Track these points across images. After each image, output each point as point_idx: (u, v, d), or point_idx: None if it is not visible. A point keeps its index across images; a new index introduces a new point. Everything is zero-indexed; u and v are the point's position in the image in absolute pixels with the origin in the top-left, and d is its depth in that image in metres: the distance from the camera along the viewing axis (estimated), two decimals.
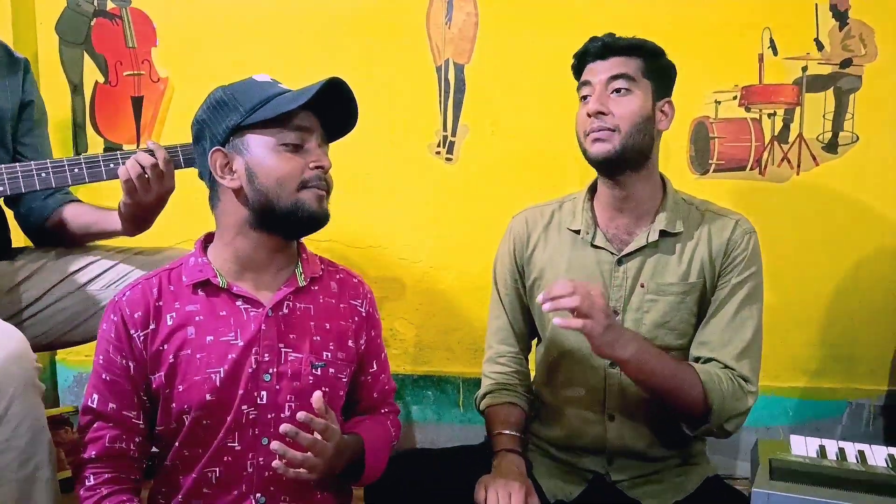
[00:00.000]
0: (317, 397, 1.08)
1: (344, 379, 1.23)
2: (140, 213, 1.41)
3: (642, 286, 1.34)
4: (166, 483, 1.18)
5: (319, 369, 1.19)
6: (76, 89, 2.04)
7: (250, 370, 1.15)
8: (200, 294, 1.17)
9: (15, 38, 1.96)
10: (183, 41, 1.99)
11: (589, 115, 1.31)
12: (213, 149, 1.15)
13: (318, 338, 1.21)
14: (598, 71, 1.33)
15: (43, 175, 1.40)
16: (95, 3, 2.00)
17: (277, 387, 1.16)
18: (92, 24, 2.01)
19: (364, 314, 1.29)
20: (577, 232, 1.39)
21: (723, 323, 1.31)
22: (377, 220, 1.98)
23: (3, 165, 1.42)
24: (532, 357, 1.49)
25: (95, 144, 2.05)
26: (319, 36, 1.93)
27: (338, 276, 1.29)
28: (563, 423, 1.39)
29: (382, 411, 1.35)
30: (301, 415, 1.06)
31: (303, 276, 1.22)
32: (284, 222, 1.15)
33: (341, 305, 1.26)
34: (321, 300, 1.24)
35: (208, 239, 1.22)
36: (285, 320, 1.19)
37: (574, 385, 1.38)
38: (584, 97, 1.35)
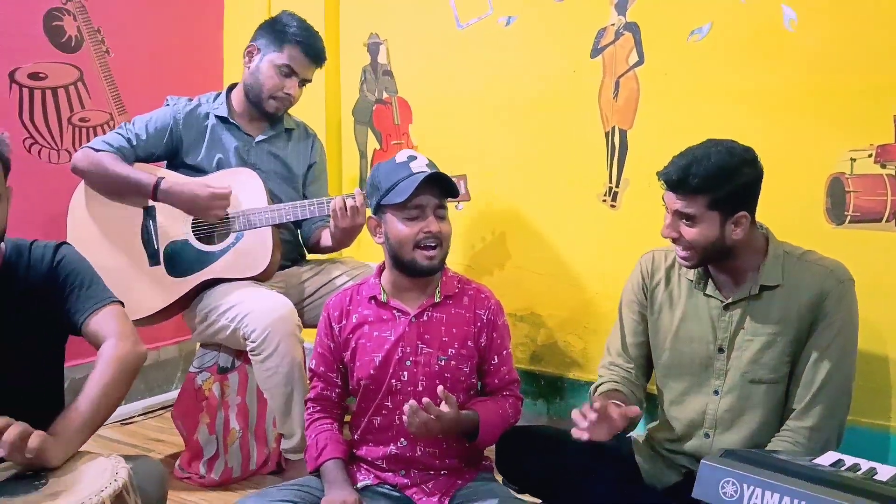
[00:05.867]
0: (440, 390, 1.50)
1: (465, 369, 1.62)
2: (341, 237, 2.04)
3: (743, 328, 1.54)
4: (354, 422, 1.71)
5: (444, 361, 1.61)
6: (362, 155, 2.83)
7: (397, 357, 1.60)
8: (373, 303, 1.66)
9: (328, 120, 2.81)
10: (429, 119, 2.66)
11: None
12: (369, 217, 1.66)
13: (447, 338, 1.62)
14: (669, 200, 1.48)
15: (299, 210, 2.11)
16: (376, 94, 2.77)
17: (415, 370, 1.60)
18: (373, 108, 2.78)
19: (485, 320, 1.65)
20: (692, 281, 1.61)
21: (806, 384, 1.46)
22: (554, 253, 2.39)
23: (295, 201, 2.13)
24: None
25: None
26: (518, 110, 2.43)
27: (470, 292, 1.68)
28: (669, 430, 1.65)
29: (504, 394, 1.70)
30: (437, 393, 1.50)
31: (440, 293, 1.65)
32: (407, 270, 1.60)
33: (467, 314, 1.65)
34: (453, 311, 1.64)
35: (384, 266, 1.73)
36: (424, 325, 1.62)
37: (682, 405, 1.62)
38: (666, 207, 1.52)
